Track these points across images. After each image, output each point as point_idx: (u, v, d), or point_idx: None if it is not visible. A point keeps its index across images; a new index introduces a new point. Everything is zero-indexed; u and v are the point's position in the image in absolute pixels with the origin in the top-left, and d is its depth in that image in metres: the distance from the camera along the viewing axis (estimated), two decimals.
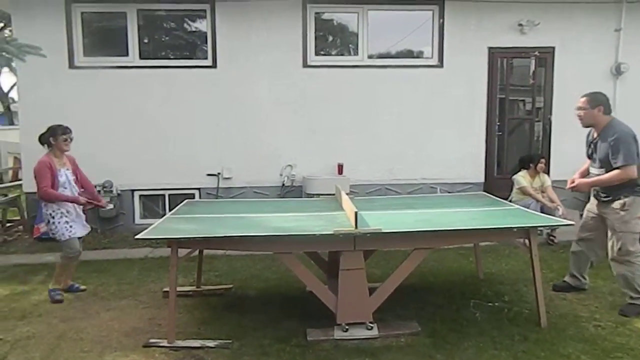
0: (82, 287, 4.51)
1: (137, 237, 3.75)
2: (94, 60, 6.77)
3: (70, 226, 4.19)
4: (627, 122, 3.80)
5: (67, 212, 4.22)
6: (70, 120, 6.60)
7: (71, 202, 4.20)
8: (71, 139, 4.30)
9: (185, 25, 7.16)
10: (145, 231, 3.59)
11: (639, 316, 3.66)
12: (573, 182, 3.93)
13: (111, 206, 6.08)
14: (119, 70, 6.74)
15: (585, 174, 4.03)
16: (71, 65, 6.70)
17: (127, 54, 6.80)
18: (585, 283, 4.25)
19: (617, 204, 3.74)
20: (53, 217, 4.16)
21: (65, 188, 4.22)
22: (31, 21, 6.52)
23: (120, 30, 6.80)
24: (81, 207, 4.35)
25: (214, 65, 6.85)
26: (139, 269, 5.10)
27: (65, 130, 4.27)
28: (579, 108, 3.84)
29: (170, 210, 5.17)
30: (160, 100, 6.83)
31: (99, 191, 5.59)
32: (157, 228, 3.62)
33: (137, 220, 6.95)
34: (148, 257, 5.56)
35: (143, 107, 6.78)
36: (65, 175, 4.23)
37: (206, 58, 6.90)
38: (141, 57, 6.84)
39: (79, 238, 4.32)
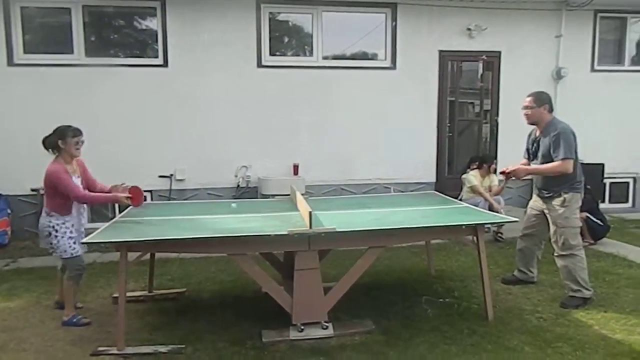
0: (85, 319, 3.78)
1: (83, 241, 3.63)
2: (35, 57, 6.44)
3: (74, 242, 3.74)
4: (567, 122, 4.02)
5: (72, 226, 3.77)
6: (10, 122, 6.40)
7: (111, 202, 3.64)
8: (82, 142, 3.78)
9: (135, 23, 6.94)
10: (92, 235, 3.46)
11: (578, 308, 3.88)
12: (513, 169, 4.04)
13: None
14: (63, 68, 6.45)
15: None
16: (10, 63, 6.36)
17: (72, 52, 6.52)
18: (533, 276, 4.46)
19: (557, 201, 3.95)
20: (56, 231, 3.66)
21: None
22: None
23: (64, 26, 6.50)
24: (83, 221, 3.91)
25: (165, 64, 6.69)
26: (86, 274, 4.82)
27: (76, 132, 3.74)
28: (526, 107, 4.02)
29: (119, 213, 5.00)
30: (109, 100, 6.58)
31: (42, 194, 5.14)
32: (105, 232, 3.50)
33: (85, 224, 6.65)
34: (96, 262, 5.36)
35: (90, 107, 6.50)
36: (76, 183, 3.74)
37: (157, 57, 6.73)
38: (87, 55, 6.57)
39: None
